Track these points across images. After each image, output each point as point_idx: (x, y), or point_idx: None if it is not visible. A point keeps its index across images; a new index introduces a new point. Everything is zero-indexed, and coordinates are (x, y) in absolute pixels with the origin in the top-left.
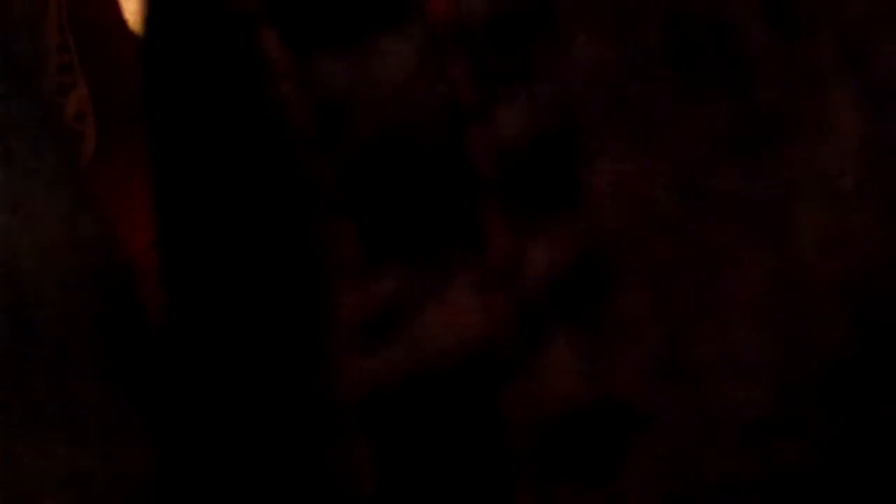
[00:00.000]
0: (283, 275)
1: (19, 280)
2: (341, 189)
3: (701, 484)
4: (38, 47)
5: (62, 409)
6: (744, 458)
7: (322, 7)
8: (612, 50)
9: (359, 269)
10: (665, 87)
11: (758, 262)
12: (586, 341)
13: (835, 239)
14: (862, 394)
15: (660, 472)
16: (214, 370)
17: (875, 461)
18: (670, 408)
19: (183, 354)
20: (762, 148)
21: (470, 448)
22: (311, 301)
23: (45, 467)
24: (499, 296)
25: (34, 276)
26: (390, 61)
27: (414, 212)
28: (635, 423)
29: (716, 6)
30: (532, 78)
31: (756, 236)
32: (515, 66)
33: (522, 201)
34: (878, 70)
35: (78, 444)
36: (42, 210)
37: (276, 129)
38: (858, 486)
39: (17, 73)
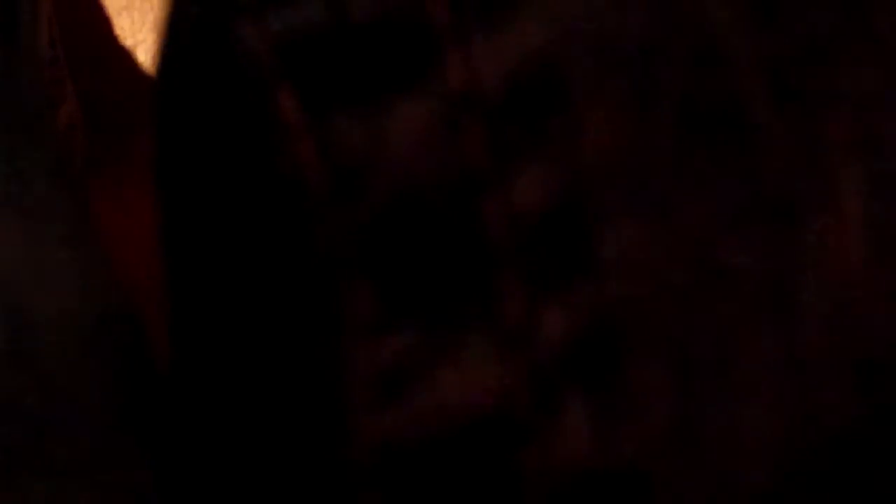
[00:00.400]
0: (296, 331)
1: (37, 337)
2: (356, 248)
3: None
4: (44, 89)
5: (78, 463)
6: None
7: (339, 69)
8: (626, 125)
9: (372, 328)
10: (677, 163)
11: (766, 336)
12: (600, 407)
13: (841, 318)
14: (867, 472)
15: None
16: (225, 423)
17: None
18: (679, 476)
19: (193, 407)
20: (770, 225)
21: None
22: (325, 357)
23: None
24: (513, 359)
25: (51, 334)
26: (406, 125)
27: (429, 274)
28: (645, 490)
29: (729, 86)
30: (546, 148)
31: (765, 311)
32: (530, 137)
33: (536, 268)
34: (886, 153)
35: (93, 496)
36: (57, 265)
37: (291, 189)
38: None
39: (28, 121)
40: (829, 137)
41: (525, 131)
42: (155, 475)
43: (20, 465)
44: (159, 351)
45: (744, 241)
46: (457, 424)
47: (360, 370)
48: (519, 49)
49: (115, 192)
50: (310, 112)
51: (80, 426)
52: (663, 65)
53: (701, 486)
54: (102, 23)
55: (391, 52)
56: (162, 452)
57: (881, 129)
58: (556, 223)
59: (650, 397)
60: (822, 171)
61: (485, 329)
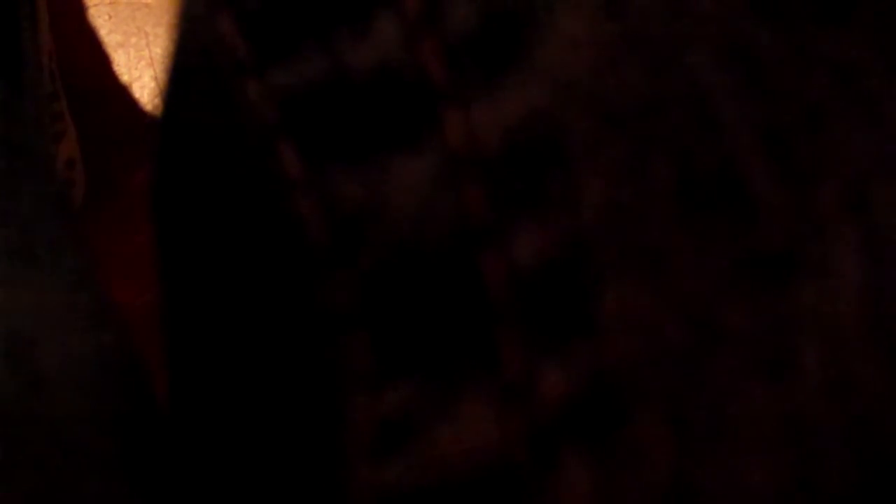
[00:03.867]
0: (295, 381)
1: (49, 390)
2: (356, 301)
3: None
4: (46, 127)
5: None
6: None
7: (339, 124)
8: (624, 184)
9: (371, 381)
10: (674, 223)
11: (764, 396)
12: (599, 464)
13: (840, 380)
14: None
15: None
16: (223, 466)
17: None
18: None
19: (191, 445)
20: (767, 287)
21: None
22: (323, 408)
23: None
24: (512, 415)
25: (62, 386)
26: (405, 181)
27: (428, 328)
28: None
29: (724, 148)
30: (545, 206)
31: (763, 371)
32: (529, 194)
33: (536, 325)
34: (879, 217)
35: None
36: (65, 315)
37: (291, 241)
38: None
39: (32, 165)
40: (824, 200)
41: (524, 189)
42: None
43: None
44: (158, 385)
45: (741, 301)
46: (455, 479)
47: (359, 423)
48: (518, 107)
49: (112, 225)
50: (311, 166)
51: (84, 472)
52: (660, 126)
53: None
54: (100, 59)
55: (391, 108)
56: (162, 495)
57: (875, 193)
58: (555, 280)
59: (649, 454)
60: (818, 233)
61: (483, 384)
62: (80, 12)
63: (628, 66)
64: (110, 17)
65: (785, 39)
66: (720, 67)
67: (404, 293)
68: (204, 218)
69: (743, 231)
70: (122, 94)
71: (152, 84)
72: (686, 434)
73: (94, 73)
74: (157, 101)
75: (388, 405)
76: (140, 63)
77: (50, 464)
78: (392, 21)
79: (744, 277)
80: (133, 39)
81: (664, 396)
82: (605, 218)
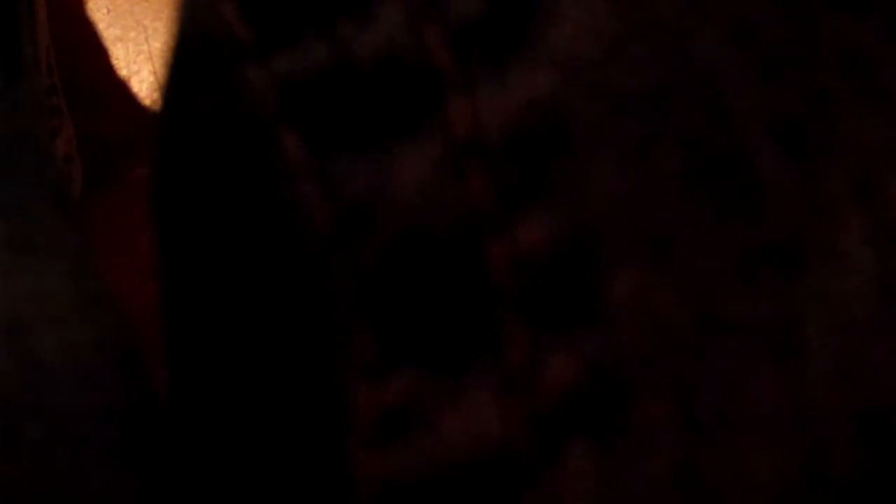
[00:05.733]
0: (298, 370)
1: (49, 379)
2: (360, 290)
3: None
4: (45, 121)
5: (82, 499)
6: None
7: (343, 111)
8: (630, 172)
9: (375, 369)
10: (682, 211)
11: (772, 383)
12: (604, 452)
13: (848, 367)
14: None
15: None
16: (224, 456)
17: None
18: None
19: (191, 436)
20: (775, 275)
21: None
22: (327, 396)
23: None
24: (516, 403)
25: (62, 375)
26: (409, 168)
27: (432, 316)
28: None
29: (732, 134)
30: (551, 193)
31: (770, 358)
32: (535, 181)
33: (541, 312)
34: (888, 205)
35: None
36: (65, 305)
37: (295, 229)
38: None
39: (30, 155)
40: (833, 188)
41: (529, 176)
42: None
43: (25, 501)
44: (156, 378)
45: (748, 290)
46: (458, 466)
47: (362, 410)
48: (523, 94)
49: (110, 220)
50: (314, 153)
51: (84, 462)
52: (668, 113)
53: None
54: (98, 53)
55: (395, 96)
56: (162, 486)
57: (884, 180)
58: (560, 268)
59: (654, 443)
60: (826, 221)
61: (488, 372)
62: (78, 6)
63: (635, 53)
64: (109, 11)
65: (795, 25)
66: (729, 53)
67: (408, 281)
68: (205, 207)
69: (751, 218)
70: (120, 88)
71: (151, 78)
72: (691, 424)
73: (92, 68)
74: (156, 95)
75: (391, 393)
76: (139, 57)
77: (50, 452)
78: (396, 7)
79: (752, 265)
80: (132, 34)
81: (670, 386)
82: (611, 205)
